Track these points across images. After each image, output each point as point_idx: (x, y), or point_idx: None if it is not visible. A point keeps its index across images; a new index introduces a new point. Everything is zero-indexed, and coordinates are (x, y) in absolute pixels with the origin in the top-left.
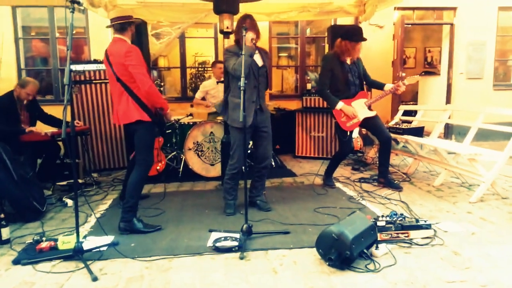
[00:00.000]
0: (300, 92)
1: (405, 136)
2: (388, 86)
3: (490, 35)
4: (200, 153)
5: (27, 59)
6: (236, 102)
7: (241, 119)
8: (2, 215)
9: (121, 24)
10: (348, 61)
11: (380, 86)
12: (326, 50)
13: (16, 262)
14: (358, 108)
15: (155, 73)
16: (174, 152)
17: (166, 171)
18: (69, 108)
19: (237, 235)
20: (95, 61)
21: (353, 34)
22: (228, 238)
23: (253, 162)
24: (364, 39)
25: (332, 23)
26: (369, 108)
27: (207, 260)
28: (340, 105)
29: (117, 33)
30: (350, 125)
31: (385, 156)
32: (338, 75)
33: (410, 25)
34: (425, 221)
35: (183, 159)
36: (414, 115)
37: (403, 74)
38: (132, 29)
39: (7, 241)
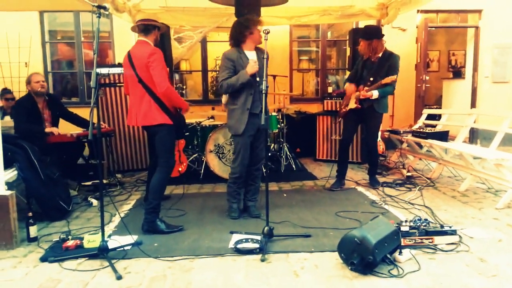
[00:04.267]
0: (321, 95)
1: (429, 141)
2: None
3: None
4: (221, 155)
5: (53, 62)
6: (231, 108)
7: (262, 122)
8: (30, 214)
9: (146, 25)
10: (373, 58)
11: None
12: (347, 53)
13: (43, 259)
14: (352, 99)
15: (177, 76)
16: (196, 154)
17: (187, 173)
18: (95, 110)
19: (258, 237)
20: (120, 65)
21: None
22: (249, 240)
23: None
24: (364, 37)
25: (354, 26)
26: (359, 102)
27: (229, 262)
28: (345, 85)
29: (141, 35)
30: (343, 111)
31: (370, 160)
32: (357, 70)
33: (433, 28)
34: (450, 227)
35: (204, 161)
36: (438, 119)
37: (427, 78)
38: (156, 33)
39: (35, 239)
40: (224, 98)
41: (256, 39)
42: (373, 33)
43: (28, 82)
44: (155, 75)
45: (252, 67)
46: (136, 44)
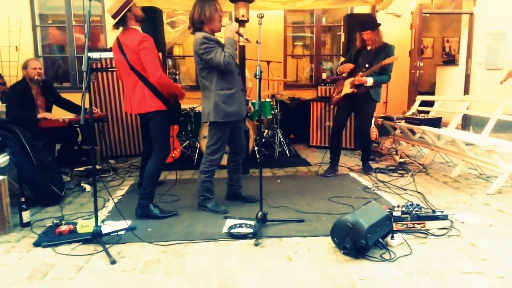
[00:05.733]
0: (315, 82)
1: (422, 127)
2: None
3: (510, 25)
4: None
5: (44, 46)
6: (228, 94)
7: (256, 108)
8: (23, 199)
9: (119, 21)
10: (369, 47)
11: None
12: (342, 39)
13: (37, 244)
14: (346, 84)
15: (170, 61)
16: (189, 140)
17: (181, 158)
18: (87, 95)
19: (252, 222)
20: (111, 49)
21: (359, 24)
22: (243, 225)
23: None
24: (372, 28)
25: (349, 12)
26: (355, 86)
27: (222, 246)
28: (341, 66)
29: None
30: (336, 98)
31: (363, 146)
32: (352, 58)
33: (428, 14)
34: (442, 212)
35: (198, 147)
36: (432, 106)
37: (421, 64)
38: (132, 13)
39: (28, 224)
40: None
41: (218, 27)
42: (374, 21)
43: (25, 67)
44: (147, 64)
45: (230, 29)
46: (124, 31)
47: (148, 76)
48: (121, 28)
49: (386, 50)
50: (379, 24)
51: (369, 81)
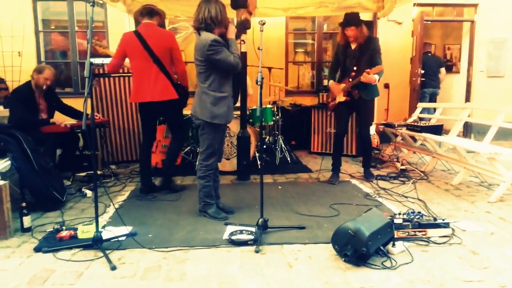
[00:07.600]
0: (316, 88)
1: (423, 134)
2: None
3: (511, 33)
4: None
5: (47, 52)
6: (219, 96)
7: (258, 114)
8: (24, 204)
9: (151, 8)
10: (353, 47)
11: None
12: None
13: (37, 249)
14: (339, 93)
15: None
16: (190, 146)
17: (182, 164)
18: (89, 100)
19: (253, 229)
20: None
21: (343, 20)
22: (243, 231)
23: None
24: (356, 24)
25: None
26: (347, 94)
27: (223, 253)
28: (330, 83)
29: (146, 18)
30: (331, 104)
31: (364, 149)
32: (340, 59)
33: (429, 22)
34: (443, 220)
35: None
36: (433, 113)
37: (422, 71)
38: (158, 19)
39: (29, 229)
40: None
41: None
42: (359, 18)
43: (39, 72)
44: (177, 56)
45: (232, 30)
46: (145, 26)
47: (169, 68)
48: (129, 29)
49: (371, 45)
50: (363, 21)
51: (373, 78)
